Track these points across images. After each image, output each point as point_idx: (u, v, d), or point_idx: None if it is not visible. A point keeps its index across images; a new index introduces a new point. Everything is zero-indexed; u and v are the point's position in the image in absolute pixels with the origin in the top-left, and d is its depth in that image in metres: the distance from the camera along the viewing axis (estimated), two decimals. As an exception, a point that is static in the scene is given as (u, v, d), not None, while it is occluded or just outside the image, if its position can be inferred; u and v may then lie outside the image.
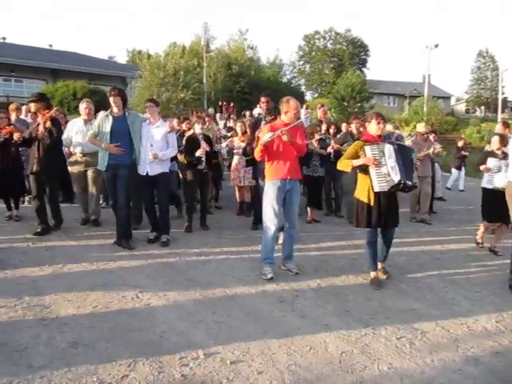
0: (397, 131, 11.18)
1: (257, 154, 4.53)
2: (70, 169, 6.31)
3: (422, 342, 3.27)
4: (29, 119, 7.15)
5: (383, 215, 4.26)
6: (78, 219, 6.29)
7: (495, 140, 5.73)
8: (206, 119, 8.68)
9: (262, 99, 5.89)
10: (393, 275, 4.64)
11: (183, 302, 3.77)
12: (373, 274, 4.45)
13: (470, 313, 3.81)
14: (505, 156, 5.34)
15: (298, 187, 4.65)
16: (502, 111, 34.18)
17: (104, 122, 5.23)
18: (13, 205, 6.37)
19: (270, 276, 4.39)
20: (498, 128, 7.40)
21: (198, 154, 5.99)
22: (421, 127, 7.88)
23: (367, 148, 4.28)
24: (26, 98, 22.47)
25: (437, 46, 32.40)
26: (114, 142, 5.17)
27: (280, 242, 5.01)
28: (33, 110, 5.63)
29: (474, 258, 5.49)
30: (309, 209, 7.29)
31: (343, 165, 4.44)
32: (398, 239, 4.94)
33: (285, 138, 4.27)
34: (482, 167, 5.62)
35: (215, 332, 3.27)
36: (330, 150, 7.23)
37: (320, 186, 7.37)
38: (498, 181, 5.41)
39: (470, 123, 35.20)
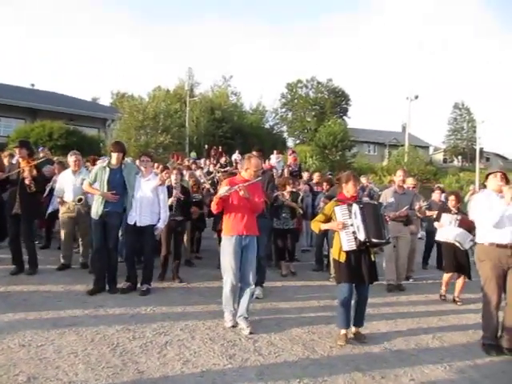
0: (370, 185, 10.83)
1: (213, 207, 4.52)
2: (60, 215, 6.72)
3: None
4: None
5: (358, 272, 4.23)
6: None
7: (452, 198, 6.50)
8: (185, 172, 8.44)
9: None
10: (392, 363, 3.91)
11: (127, 411, 2.90)
12: (343, 332, 4.32)
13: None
14: (457, 212, 6.33)
15: (254, 243, 4.56)
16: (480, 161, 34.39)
17: (101, 172, 5.46)
18: None
19: (230, 324, 4.44)
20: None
21: (169, 202, 5.97)
22: (410, 180, 7.37)
23: (337, 208, 4.36)
24: (1, 138, 21.90)
25: (417, 97, 32.93)
26: (109, 191, 5.37)
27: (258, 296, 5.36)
28: (18, 155, 6.00)
29: (477, 327, 4.59)
30: (282, 262, 7.11)
31: (314, 226, 4.58)
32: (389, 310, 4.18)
33: (241, 193, 4.31)
34: (436, 225, 6.42)
35: None
36: (321, 203, 7.32)
37: (291, 239, 7.18)
38: (448, 234, 6.08)
39: (449, 172, 35.51)
